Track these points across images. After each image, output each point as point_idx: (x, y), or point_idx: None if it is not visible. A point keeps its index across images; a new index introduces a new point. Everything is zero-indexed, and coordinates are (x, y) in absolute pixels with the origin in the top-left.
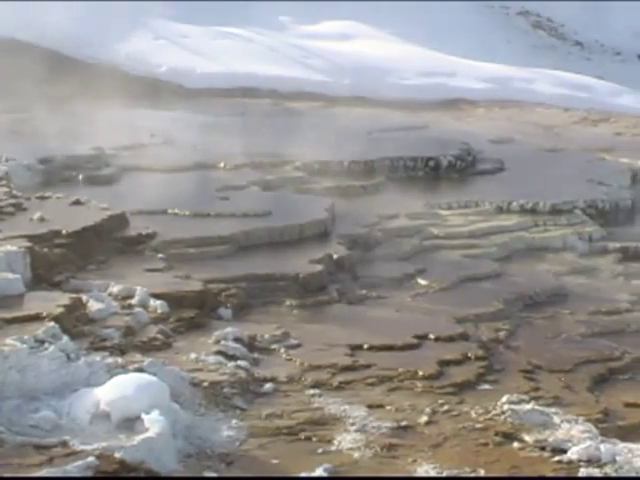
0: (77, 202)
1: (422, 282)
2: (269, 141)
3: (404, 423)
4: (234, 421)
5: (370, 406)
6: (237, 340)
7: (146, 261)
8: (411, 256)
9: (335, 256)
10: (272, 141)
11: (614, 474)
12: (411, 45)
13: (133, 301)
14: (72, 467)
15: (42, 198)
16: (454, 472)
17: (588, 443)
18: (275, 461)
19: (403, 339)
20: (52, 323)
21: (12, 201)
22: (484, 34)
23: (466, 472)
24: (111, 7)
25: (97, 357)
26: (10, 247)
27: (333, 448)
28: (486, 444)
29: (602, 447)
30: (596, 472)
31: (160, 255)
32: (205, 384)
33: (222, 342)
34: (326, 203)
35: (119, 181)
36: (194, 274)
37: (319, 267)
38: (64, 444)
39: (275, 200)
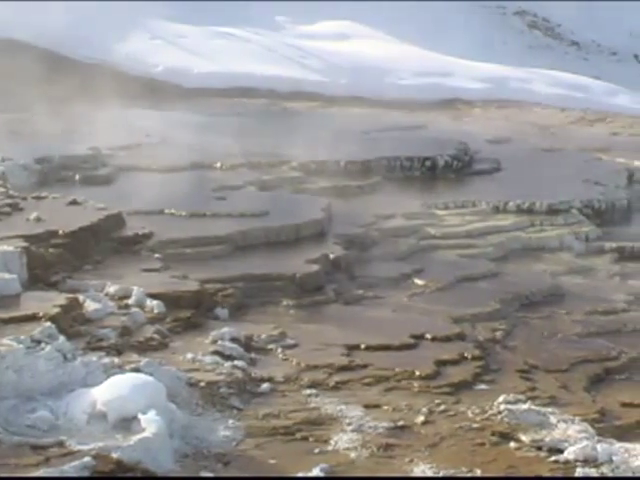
0: (74, 202)
1: (419, 282)
2: (266, 141)
3: (401, 423)
4: (231, 421)
5: (367, 406)
6: (234, 340)
7: (143, 261)
8: (408, 256)
9: (332, 256)
10: (269, 141)
11: (611, 474)
12: (408, 45)
13: (130, 301)
14: (69, 467)
15: (39, 198)
16: (451, 472)
17: (585, 443)
18: (272, 461)
19: (400, 339)
20: (49, 323)
21: (8, 201)
22: (481, 34)
23: (463, 472)
24: (108, 7)
25: (94, 357)
26: (6, 247)
27: (330, 448)
28: (483, 444)
29: (599, 447)
30: (593, 472)
31: (157, 255)
32: (202, 384)
33: (219, 342)
34: (323, 203)
35: (116, 181)
36: (191, 274)
37: (316, 267)
38: (61, 444)
39: (272, 200)
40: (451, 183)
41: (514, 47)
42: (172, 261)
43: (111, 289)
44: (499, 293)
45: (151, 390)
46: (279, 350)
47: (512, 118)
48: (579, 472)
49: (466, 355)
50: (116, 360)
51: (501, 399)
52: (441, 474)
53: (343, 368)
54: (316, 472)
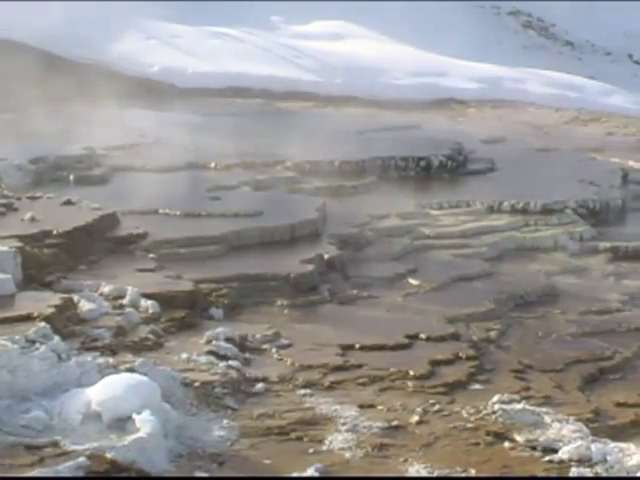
0: (68, 202)
1: (413, 282)
2: (261, 141)
3: (395, 423)
4: (225, 421)
5: (361, 406)
6: (228, 340)
7: (137, 261)
8: (402, 256)
9: (326, 256)
10: (264, 141)
11: (605, 474)
12: (402, 45)
13: (124, 301)
14: (63, 467)
15: (33, 198)
16: (445, 472)
17: (579, 443)
18: (266, 461)
19: (394, 339)
20: (43, 323)
21: (3, 201)
22: (475, 34)
23: (457, 472)
24: (103, 7)
25: (88, 357)
26: (1, 247)
27: (324, 448)
28: (477, 444)
29: (593, 447)
30: (587, 472)
31: (151, 255)
32: (196, 384)
33: (213, 342)
34: (317, 203)
35: (110, 181)
36: (185, 274)
37: (310, 267)
38: (55, 444)
39: (266, 200)
40: (445, 183)
41: (508, 47)
42: (166, 261)
43: (106, 289)
44: (493, 293)
45: (145, 390)
46: (274, 350)
47: (506, 118)
48: (573, 472)
49: (460, 355)
50: (111, 360)
51: (495, 399)
52: (435, 474)
53: (338, 368)
54: (311, 472)
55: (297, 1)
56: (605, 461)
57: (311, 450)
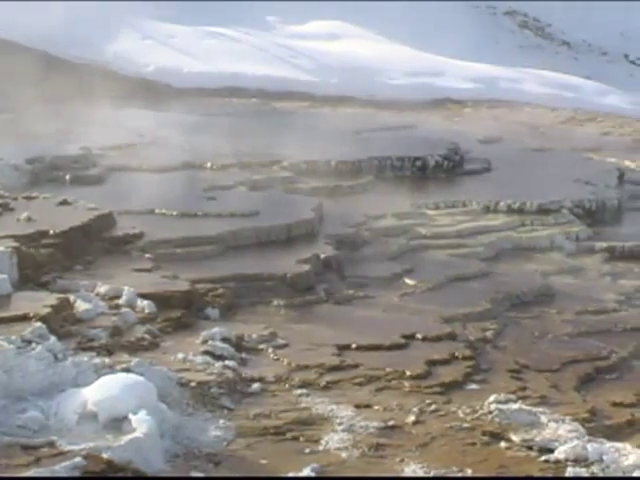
0: (64, 202)
1: (409, 282)
2: (257, 141)
3: (391, 423)
4: (222, 421)
5: (357, 406)
6: (224, 340)
7: (133, 261)
8: (398, 256)
9: (322, 256)
10: (260, 141)
11: (601, 473)
12: (399, 45)
13: (120, 301)
14: (59, 467)
15: (29, 198)
16: (441, 472)
17: (575, 442)
18: (262, 461)
19: (391, 339)
20: (39, 323)
21: None
22: (471, 34)
23: (453, 472)
24: (99, 7)
25: (84, 357)
26: None
27: (320, 448)
28: (473, 444)
29: (589, 446)
30: (583, 472)
31: (147, 255)
32: (192, 384)
33: (209, 342)
34: (313, 203)
35: (106, 181)
36: (181, 274)
37: (306, 267)
38: (51, 444)
39: (263, 200)
40: (442, 183)
41: (505, 47)
42: (163, 261)
43: (102, 289)
44: (490, 293)
45: (142, 390)
46: (270, 350)
47: (503, 118)
48: (569, 472)
49: (457, 355)
50: (107, 360)
51: (492, 399)
52: (432, 474)
53: (334, 368)
54: (307, 472)
55: (293, 1)
56: (601, 461)
57: (307, 450)
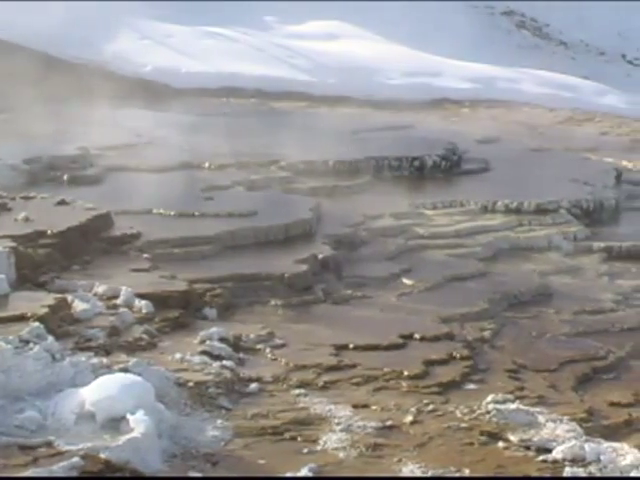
0: (62, 202)
1: (407, 282)
2: (254, 141)
3: (389, 423)
4: (219, 421)
5: (355, 406)
6: (222, 340)
7: (131, 261)
8: (396, 256)
9: (320, 256)
10: (257, 141)
11: (598, 473)
12: (396, 45)
13: (118, 301)
14: (57, 467)
15: (27, 198)
16: (439, 472)
17: (573, 442)
18: (260, 461)
19: (388, 339)
20: (37, 323)
21: None
22: (469, 34)
23: (451, 472)
24: (97, 7)
25: (82, 357)
26: None
27: (318, 448)
28: (471, 444)
29: (586, 446)
30: (580, 471)
31: (145, 255)
32: (190, 384)
33: (207, 342)
34: (311, 203)
35: (104, 181)
36: (179, 274)
37: (304, 267)
38: (49, 444)
39: (260, 200)
40: (439, 183)
41: (502, 47)
42: (161, 261)
43: (100, 289)
44: (487, 293)
45: (139, 390)
46: (268, 350)
47: (500, 118)
48: (567, 471)
49: (455, 355)
50: (104, 360)
51: (489, 399)
52: (430, 474)
53: (332, 368)
54: (304, 472)
55: (291, 1)
56: (599, 461)
57: (305, 450)
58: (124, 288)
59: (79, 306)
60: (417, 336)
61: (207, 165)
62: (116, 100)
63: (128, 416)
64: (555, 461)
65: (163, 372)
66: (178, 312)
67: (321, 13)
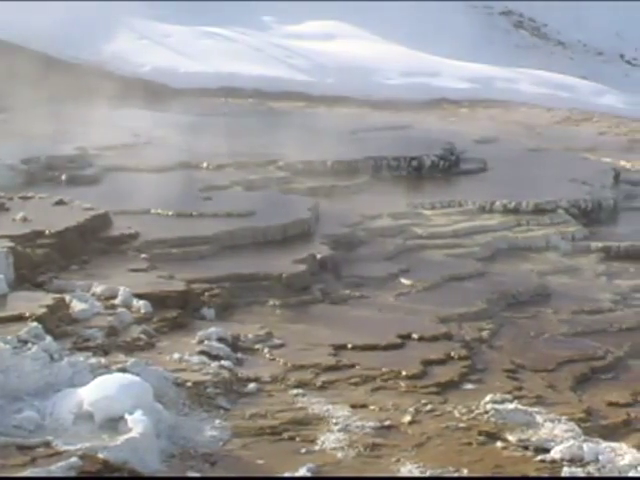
0: (60, 202)
1: (405, 282)
2: (253, 141)
3: (387, 423)
4: (218, 421)
5: (353, 406)
6: (220, 340)
7: (129, 261)
8: (394, 256)
9: (318, 256)
10: (256, 141)
11: (597, 473)
12: (394, 45)
13: (116, 301)
14: (55, 467)
15: (25, 198)
16: (437, 471)
17: (571, 442)
18: (258, 461)
19: (387, 339)
20: (35, 323)
21: None
22: (467, 34)
23: (449, 471)
24: (95, 8)
25: (80, 357)
26: None
27: (316, 448)
28: (469, 443)
29: (585, 446)
30: (579, 471)
31: (143, 255)
32: (189, 384)
33: (205, 342)
34: (309, 203)
35: (102, 181)
36: (177, 274)
37: (302, 267)
38: (47, 444)
39: (259, 200)
40: (438, 183)
41: (500, 47)
42: (159, 261)
43: (98, 289)
44: (486, 293)
45: (138, 390)
46: (266, 350)
47: (498, 118)
48: (565, 471)
49: (453, 355)
50: (103, 360)
51: (488, 399)
52: (428, 474)
53: (330, 368)
54: (303, 472)
55: (289, 1)
56: (597, 461)
57: (303, 450)
58: (122, 288)
59: (77, 306)
60: (415, 336)
61: (205, 165)
62: (114, 100)
63: (126, 416)
64: (553, 461)
65: (161, 372)
66: (176, 312)
67: (319, 13)
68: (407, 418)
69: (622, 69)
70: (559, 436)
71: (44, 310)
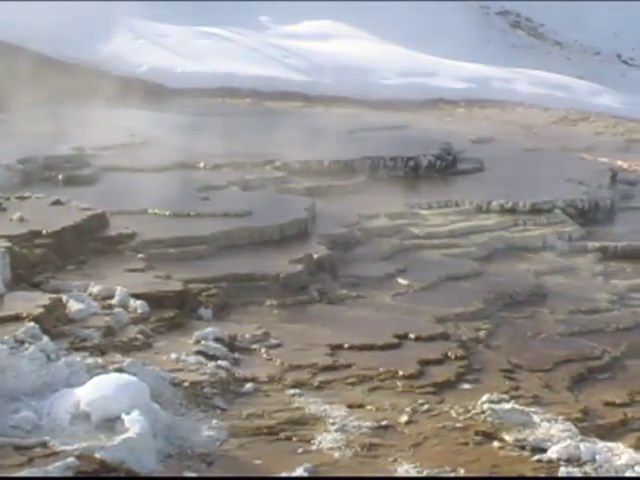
0: (57, 202)
1: (402, 282)
2: (249, 141)
3: (384, 423)
4: (214, 421)
5: (350, 406)
6: (217, 340)
7: (126, 261)
8: (391, 256)
9: (315, 256)
10: (253, 141)
11: (594, 473)
12: (391, 45)
13: (113, 301)
14: (52, 467)
15: (22, 198)
16: (434, 471)
17: (568, 442)
18: (255, 461)
19: (383, 339)
20: (32, 323)
21: None
22: (464, 34)
23: (446, 471)
24: (92, 8)
25: (77, 357)
26: None
27: (313, 448)
28: (466, 443)
29: (582, 446)
30: (576, 471)
31: (140, 255)
32: (185, 384)
33: (202, 342)
34: (306, 203)
35: (99, 181)
36: (174, 274)
37: (299, 267)
38: (44, 444)
39: (255, 200)
40: (434, 183)
41: (497, 47)
42: (156, 261)
43: (94, 289)
44: (483, 293)
45: (134, 390)
46: (263, 350)
47: (495, 118)
48: (562, 471)
49: (450, 355)
50: (100, 360)
51: (484, 398)
52: (425, 473)
53: (327, 368)
54: (300, 472)
55: (286, 1)
56: (594, 460)
57: (300, 450)
58: (119, 288)
59: (74, 306)
60: (412, 336)
61: (202, 165)
62: (111, 100)
63: (123, 416)
64: (550, 461)
65: (158, 372)
66: (173, 312)
67: (316, 13)
68: (404, 418)
69: (619, 69)
70: (556, 436)
71: (41, 310)
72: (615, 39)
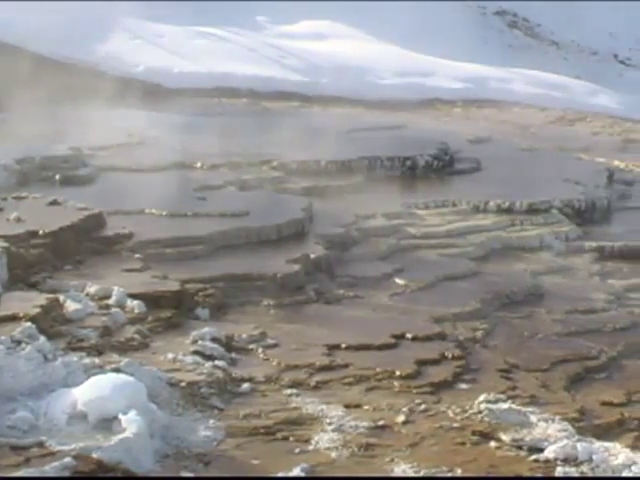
0: (54, 202)
1: (399, 282)
2: (246, 141)
3: (381, 423)
4: (211, 421)
5: (347, 406)
6: (214, 340)
7: (123, 261)
8: (388, 256)
9: (312, 256)
10: (250, 141)
11: (590, 473)
12: (388, 45)
13: (110, 301)
14: (49, 468)
15: (19, 198)
16: (431, 471)
17: (565, 442)
18: (253, 461)
19: (381, 339)
20: (29, 323)
21: None
22: (461, 34)
23: (443, 471)
24: (88, 7)
25: (74, 357)
26: None
27: (310, 448)
28: (463, 443)
29: (579, 446)
30: (573, 471)
31: (137, 255)
32: (182, 384)
33: (199, 342)
34: (303, 203)
35: (96, 181)
36: (171, 274)
37: (296, 267)
38: (41, 445)
39: (252, 200)
40: (432, 183)
41: (494, 47)
42: (153, 261)
43: (92, 289)
44: (480, 292)
45: (132, 390)
46: (260, 350)
47: (492, 118)
48: (559, 471)
49: (447, 355)
50: (97, 360)
51: (481, 398)
52: (422, 473)
53: (324, 368)
54: (297, 472)
55: (283, 1)
56: (591, 460)
57: (297, 450)
58: (116, 288)
59: (71, 306)
60: (409, 336)
61: (199, 165)
62: (108, 100)
63: (120, 416)
64: (547, 461)
65: (155, 372)
66: (170, 312)
67: (313, 13)
68: (401, 418)
69: (616, 69)
70: (553, 436)
71: (38, 310)
72: (612, 39)
